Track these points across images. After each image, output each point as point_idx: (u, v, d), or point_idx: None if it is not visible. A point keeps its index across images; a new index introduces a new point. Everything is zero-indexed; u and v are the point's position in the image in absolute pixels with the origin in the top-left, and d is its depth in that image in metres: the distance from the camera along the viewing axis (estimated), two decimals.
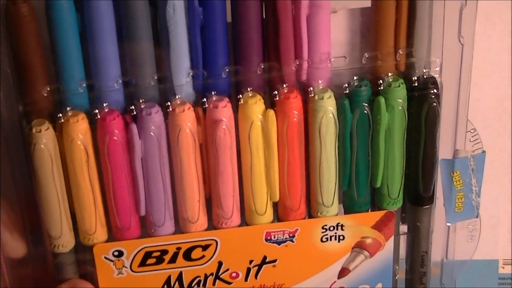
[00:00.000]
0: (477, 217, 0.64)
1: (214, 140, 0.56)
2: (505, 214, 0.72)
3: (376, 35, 0.57)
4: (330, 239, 0.61)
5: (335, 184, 0.59)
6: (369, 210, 0.62)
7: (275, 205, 0.61)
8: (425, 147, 0.59)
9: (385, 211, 0.61)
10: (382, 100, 0.57)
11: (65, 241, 0.59)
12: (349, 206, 0.61)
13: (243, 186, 0.59)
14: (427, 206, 0.62)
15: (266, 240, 0.61)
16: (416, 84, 0.57)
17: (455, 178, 0.62)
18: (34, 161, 0.55)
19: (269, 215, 0.60)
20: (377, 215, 0.61)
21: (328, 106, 0.56)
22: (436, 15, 0.56)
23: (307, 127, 0.58)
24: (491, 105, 0.69)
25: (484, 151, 0.61)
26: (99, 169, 0.57)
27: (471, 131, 0.60)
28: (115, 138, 0.55)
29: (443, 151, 0.61)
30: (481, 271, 0.72)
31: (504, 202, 0.72)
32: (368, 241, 0.62)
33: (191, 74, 0.56)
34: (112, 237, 0.60)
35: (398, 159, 0.59)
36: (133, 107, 0.56)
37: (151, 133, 0.56)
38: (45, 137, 0.55)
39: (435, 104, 0.57)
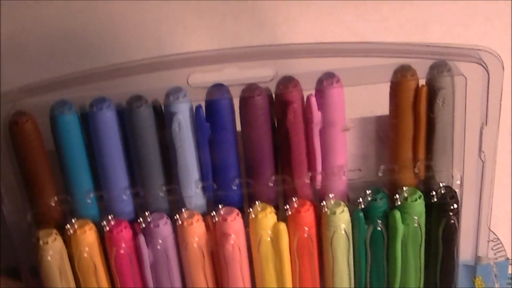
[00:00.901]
0: None
1: (223, 253, 0.55)
2: (505, 214, 0.71)
3: (393, 146, 0.55)
4: None
5: None
6: None
7: None
8: (442, 261, 0.57)
9: None
10: (398, 215, 0.55)
11: None
12: None
13: None
14: None
15: None
16: (435, 200, 0.55)
17: (477, 283, 0.59)
18: (41, 271, 0.55)
19: None
20: None
21: (340, 222, 0.55)
22: (457, 131, 0.54)
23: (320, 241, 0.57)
24: None
25: (508, 258, 0.59)
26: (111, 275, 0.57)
27: (493, 240, 0.58)
28: (122, 251, 0.55)
29: (465, 254, 0.58)
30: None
31: (504, 202, 0.71)
32: None
33: (201, 186, 0.55)
34: None
35: (413, 272, 0.57)
36: (141, 219, 0.55)
37: (158, 247, 0.55)
38: (51, 249, 0.54)
39: (453, 221, 0.55)
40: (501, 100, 0.52)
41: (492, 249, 0.59)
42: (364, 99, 0.56)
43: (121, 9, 0.62)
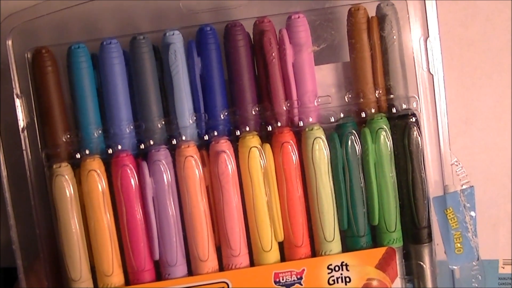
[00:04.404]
0: (478, 259, 0.66)
1: (217, 171, 0.62)
2: (505, 214, 0.73)
3: (356, 77, 0.65)
4: (337, 281, 0.64)
5: (334, 215, 0.64)
6: None
7: (281, 247, 0.65)
8: (413, 173, 0.63)
9: (386, 247, 0.64)
10: (367, 130, 0.63)
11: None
12: (351, 246, 0.65)
13: (248, 223, 0.64)
14: (427, 244, 0.65)
15: (275, 282, 0.64)
16: (396, 114, 0.64)
17: (449, 216, 0.65)
18: (54, 193, 0.61)
19: (275, 250, 0.64)
20: (379, 252, 0.64)
21: (318, 134, 0.63)
22: (406, 51, 0.64)
23: (302, 167, 0.64)
24: (491, 105, 0.72)
25: (472, 186, 0.65)
26: (115, 211, 0.63)
27: (456, 163, 0.65)
28: (128, 170, 0.62)
29: (434, 190, 0.65)
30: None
31: (504, 202, 0.73)
32: (375, 283, 0.64)
33: (194, 117, 0.63)
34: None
35: (390, 188, 0.64)
36: (142, 146, 0.63)
37: (160, 166, 0.62)
38: (65, 172, 0.61)
39: (415, 127, 0.63)
40: (437, 14, 0.63)
41: (457, 174, 0.65)
42: None
43: None
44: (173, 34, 0.63)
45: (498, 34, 0.71)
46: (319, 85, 0.65)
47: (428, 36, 0.64)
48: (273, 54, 0.63)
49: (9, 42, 0.62)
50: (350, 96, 0.64)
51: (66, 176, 0.61)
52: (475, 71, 0.72)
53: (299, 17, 0.64)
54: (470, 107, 0.72)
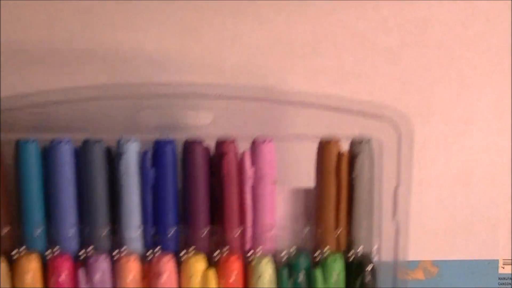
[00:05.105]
0: None
1: None
2: (505, 214, 0.72)
3: (318, 211, 0.61)
4: None
5: None
6: None
7: None
8: None
9: None
10: (318, 271, 0.60)
11: None
12: None
13: None
14: None
15: None
16: (352, 260, 0.60)
17: None
18: None
19: None
20: None
21: (265, 270, 0.60)
22: (375, 195, 0.60)
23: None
24: (491, 105, 0.71)
25: None
26: None
27: None
28: (64, 276, 0.59)
29: None
30: (481, 271, 0.72)
31: (504, 202, 0.72)
32: None
33: (141, 229, 0.60)
34: None
35: None
36: (83, 251, 0.60)
37: (98, 277, 0.60)
38: None
39: (370, 275, 0.60)
40: (411, 160, 0.59)
41: None
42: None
43: None
44: (129, 142, 0.59)
45: (498, 34, 0.69)
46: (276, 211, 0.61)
47: (399, 184, 0.59)
48: (232, 178, 0.59)
49: None
50: (307, 230, 0.61)
51: (1, 274, 0.59)
52: (475, 71, 0.70)
53: (264, 141, 0.60)
54: (470, 107, 0.71)
